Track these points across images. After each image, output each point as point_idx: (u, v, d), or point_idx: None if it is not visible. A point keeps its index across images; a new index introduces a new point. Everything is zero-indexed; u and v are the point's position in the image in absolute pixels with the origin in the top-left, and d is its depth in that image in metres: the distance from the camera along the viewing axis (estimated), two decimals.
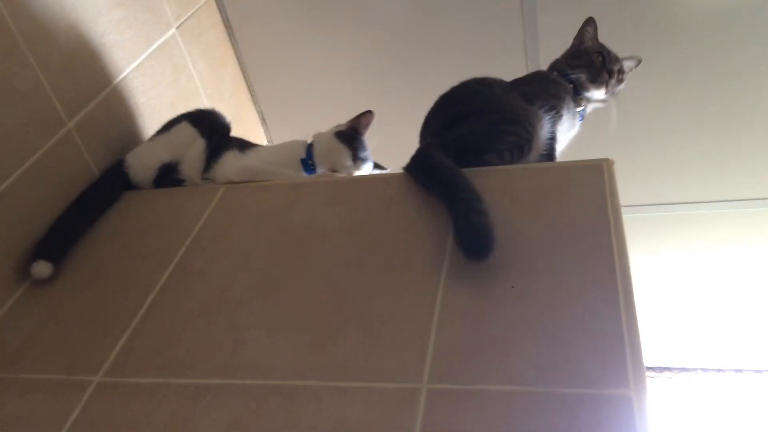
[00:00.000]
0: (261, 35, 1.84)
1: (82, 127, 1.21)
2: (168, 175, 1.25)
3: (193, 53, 1.63)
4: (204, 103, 1.67)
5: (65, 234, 1.10)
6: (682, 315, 2.32)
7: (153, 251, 1.05)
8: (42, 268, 1.03)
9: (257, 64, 1.89)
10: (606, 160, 0.99)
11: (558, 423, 0.65)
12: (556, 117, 1.18)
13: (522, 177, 1.02)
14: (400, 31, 1.75)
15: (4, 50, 1.06)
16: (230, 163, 1.25)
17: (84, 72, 1.24)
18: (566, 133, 1.23)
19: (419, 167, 1.05)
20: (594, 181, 0.96)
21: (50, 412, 0.80)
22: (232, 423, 0.73)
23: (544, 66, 1.35)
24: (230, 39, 1.84)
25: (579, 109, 1.26)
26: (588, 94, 1.27)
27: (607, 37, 1.30)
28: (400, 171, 1.08)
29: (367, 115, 1.32)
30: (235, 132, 1.39)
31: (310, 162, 1.26)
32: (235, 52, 1.87)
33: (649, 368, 2.61)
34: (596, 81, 1.25)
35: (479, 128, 1.10)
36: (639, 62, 1.32)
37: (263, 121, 2.01)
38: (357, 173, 1.27)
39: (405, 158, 1.08)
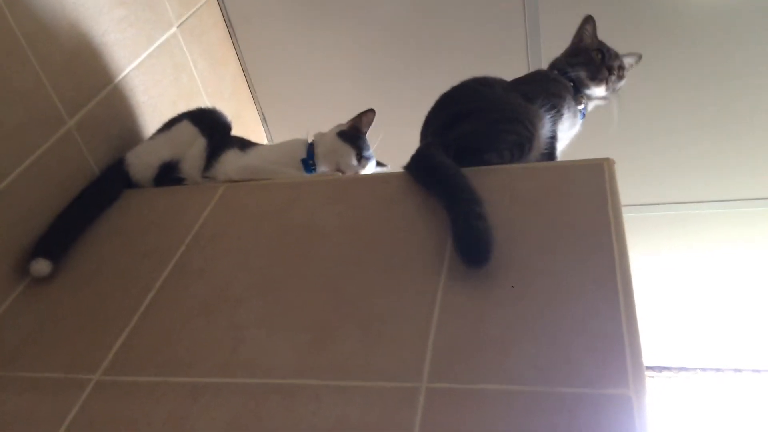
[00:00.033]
0: (262, 34, 1.84)
1: (83, 126, 1.21)
2: (168, 174, 1.25)
3: (194, 52, 1.63)
4: (205, 102, 1.67)
5: (65, 232, 1.10)
6: (681, 314, 2.32)
7: (153, 249, 1.04)
8: (41, 266, 1.03)
9: (258, 63, 1.89)
10: (607, 159, 0.99)
11: (557, 422, 0.65)
12: (557, 116, 1.18)
13: (522, 176, 1.02)
14: (401, 31, 1.75)
15: (5, 49, 1.06)
16: (231, 161, 1.25)
17: (85, 70, 1.24)
18: (567, 132, 1.23)
19: (419, 166, 1.05)
20: (595, 180, 0.96)
21: (49, 410, 0.80)
22: (232, 422, 0.73)
23: (545, 66, 1.35)
24: (231, 38, 1.84)
25: (580, 107, 1.25)
26: (588, 92, 1.26)
27: (607, 37, 1.30)
28: (401, 170, 1.08)
29: (369, 113, 1.32)
30: (236, 131, 1.39)
31: (310, 162, 1.26)
32: (236, 52, 1.87)
33: (648, 368, 2.61)
34: (596, 78, 1.25)
35: (479, 127, 1.10)
36: (639, 58, 1.31)
37: (264, 120, 2.01)
38: (362, 172, 1.27)
39: (405, 157, 1.08)
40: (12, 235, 1.05)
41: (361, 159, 1.27)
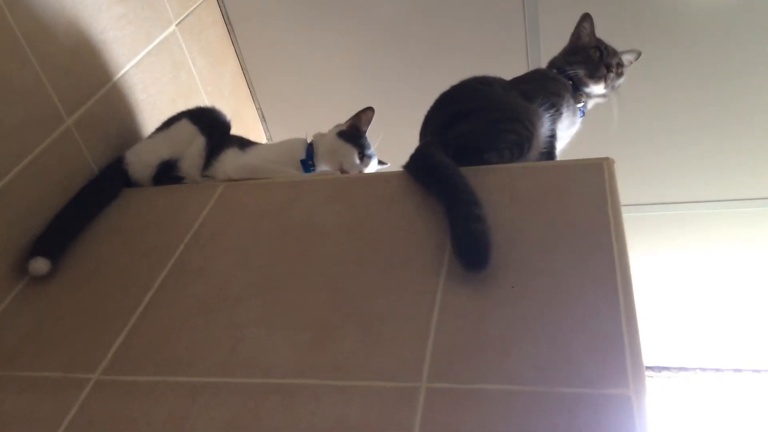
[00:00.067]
0: (261, 33, 1.83)
1: (82, 124, 1.21)
2: (167, 173, 1.24)
3: (193, 50, 1.63)
4: (204, 101, 1.67)
5: (64, 231, 1.10)
6: (681, 314, 2.32)
7: (152, 248, 1.04)
8: (40, 265, 1.02)
9: (257, 61, 1.89)
10: (606, 159, 0.99)
11: (557, 422, 0.65)
12: (556, 115, 1.18)
13: (522, 176, 1.02)
14: (401, 30, 1.75)
15: (4, 47, 1.06)
16: (230, 160, 1.24)
17: (84, 69, 1.24)
18: (567, 131, 1.23)
19: (419, 166, 1.05)
20: (594, 180, 0.96)
21: (48, 410, 0.80)
22: (231, 421, 0.73)
23: (544, 65, 1.34)
24: (230, 36, 1.84)
25: (579, 105, 1.25)
26: (587, 90, 1.26)
27: (607, 37, 1.30)
28: (400, 169, 1.08)
29: (368, 111, 1.31)
30: (235, 129, 1.39)
31: (310, 162, 1.26)
32: (235, 50, 1.86)
33: (647, 368, 2.61)
34: (594, 76, 1.24)
35: (479, 127, 1.10)
36: (639, 55, 1.31)
37: (263, 118, 2.01)
38: (366, 170, 1.27)
39: (405, 157, 1.07)
40: (11, 234, 1.05)
41: (364, 157, 1.27)
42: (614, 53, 1.27)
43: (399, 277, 0.88)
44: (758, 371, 2.56)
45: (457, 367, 0.73)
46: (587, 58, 1.25)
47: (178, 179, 1.25)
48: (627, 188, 1.00)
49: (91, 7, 1.25)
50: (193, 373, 0.80)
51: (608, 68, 1.24)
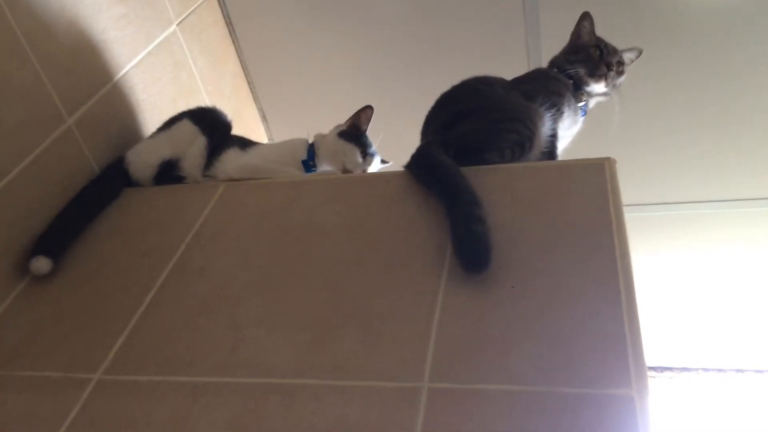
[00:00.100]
0: (262, 33, 1.83)
1: (83, 124, 1.21)
2: (168, 172, 1.24)
3: (193, 50, 1.63)
4: (205, 100, 1.67)
5: (65, 230, 1.10)
6: (683, 315, 2.32)
7: (153, 248, 1.04)
8: (41, 264, 1.02)
9: (258, 61, 1.89)
10: (608, 159, 0.99)
11: (560, 423, 0.65)
12: (557, 114, 1.18)
13: (523, 175, 1.02)
14: (402, 30, 1.74)
15: (5, 47, 1.06)
16: (231, 160, 1.24)
17: (84, 68, 1.24)
18: (568, 130, 1.23)
19: (420, 165, 1.05)
20: (596, 180, 0.96)
21: (49, 410, 0.80)
22: (232, 421, 0.73)
23: (545, 65, 1.34)
24: (231, 36, 1.84)
25: (580, 104, 1.25)
26: (588, 89, 1.26)
27: (607, 37, 1.29)
28: (401, 169, 1.08)
29: (367, 110, 1.32)
30: (236, 129, 1.38)
31: (311, 163, 1.26)
32: (236, 50, 1.86)
33: (650, 368, 2.60)
34: (595, 75, 1.24)
35: (480, 127, 1.10)
36: (640, 53, 1.31)
37: (264, 118, 2.01)
38: (369, 168, 1.27)
39: (406, 157, 1.07)
40: (12, 234, 1.05)
41: (366, 156, 1.27)
42: (614, 52, 1.26)
43: (400, 277, 0.88)
44: (761, 371, 2.56)
45: (459, 367, 0.73)
46: (587, 57, 1.25)
47: (179, 179, 1.25)
48: (629, 188, 0.99)
49: (92, 6, 1.25)
50: (194, 373, 0.80)
51: (608, 67, 1.24)
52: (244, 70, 1.90)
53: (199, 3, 1.68)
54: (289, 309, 0.87)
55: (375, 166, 1.30)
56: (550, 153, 1.15)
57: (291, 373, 0.77)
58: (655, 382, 2.63)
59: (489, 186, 0.97)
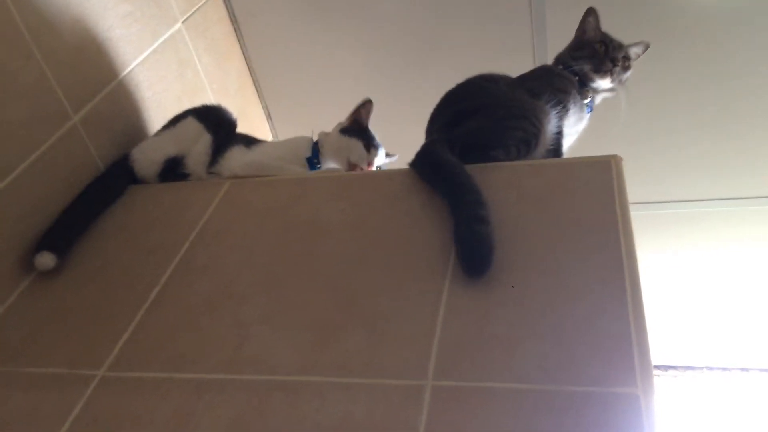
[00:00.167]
0: (267, 30, 1.83)
1: (88, 121, 1.21)
2: (173, 170, 1.25)
3: (198, 48, 1.63)
4: (209, 98, 1.67)
5: (70, 227, 1.10)
6: (687, 313, 2.31)
7: (157, 245, 1.04)
8: (46, 259, 1.02)
9: (263, 59, 1.89)
10: (614, 156, 0.98)
11: (565, 421, 0.64)
12: (563, 111, 1.17)
13: (529, 173, 1.01)
14: (407, 27, 1.74)
15: (10, 44, 1.06)
16: (236, 158, 1.24)
17: (90, 66, 1.24)
18: (574, 127, 1.22)
19: (425, 163, 1.04)
20: (602, 177, 0.95)
21: (53, 406, 0.80)
22: (236, 419, 0.73)
23: (551, 61, 1.34)
24: (236, 34, 1.84)
25: (586, 101, 1.24)
26: (594, 85, 1.25)
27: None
28: (405, 167, 1.07)
29: (367, 104, 1.32)
30: (241, 127, 1.39)
31: (315, 161, 1.26)
32: (241, 47, 1.86)
33: (654, 366, 2.60)
34: (600, 71, 1.23)
35: (485, 124, 1.09)
36: (647, 47, 1.29)
37: (269, 116, 2.01)
38: (374, 160, 1.27)
39: (411, 154, 1.07)
40: (17, 231, 1.05)
41: (371, 148, 1.27)
42: (620, 47, 1.25)
43: (404, 274, 0.87)
44: (766, 370, 2.54)
45: (463, 366, 0.72)
46: (593, 53, 1.24)
47: (184, 176, 1.25)
48: (634, 186, 0.99)
49: (97, 4, 1.26)
50: (199, 370, 0.80)
51: (614, 62, 1.23)
52: (249, 68, 1.90)
53: (204, 1, 1.68)
54: (294, 307, 0.87)
55: (380, 159, 1.30)
56: (556, 150, 1.15)
57: (295, 371, 0.77)
58: (659, 381, 2.62)
59: (494, 183, 0.97)
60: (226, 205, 1.11)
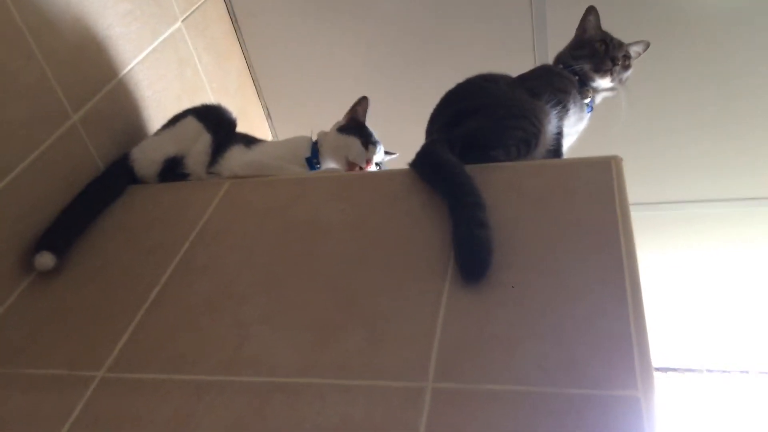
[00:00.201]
0: (267, 29, 1.83)
1: (88, 120, 1.21)
2: (173, 169, 1.24)
3: (198, 47, 1.63)
4: (209, 97, 1.67)
5: (69, 227, 1.10)
6: (687, 315, 2.31)
7: (157, 246, 1.04)
8: (45, 259, 1.02)
9: (263, 58, 1.89)
10: (614, 157, 0.98)
11: (565, 424, 0.64)
12: (563, 111, 1.17)
13: (529, 173, 1.01)
14: (408, 27, 1.74)
15: (10, 43, 1.06)
16: (236, 157, 1.24)
17: (89, 65, 1.24)
18: (574, 127, 1.22)
19: (425, 163, 1.04)
20: (602, 178, 0.95)
21: (53, 407, 0.80)
22: (236, 420, 0.73)
23: (551, 61, 1.33)
24: (236, 33, 1.84)
25: (586, 101, 1.24)
26: (594, 84, 1.25)
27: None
28: (405, 167, 1.07)
29: (362, 101, 1.32)
30: (240, 126, 1.38)
31: (315, 160, 1.26)
32: (241, 46, 1.86)
33: (654, 368, 2.60)
34: (600, 70, 1.23)
35: (485, 124, 1.09)
36: (647, 46, 1.29)
37: (268, 115, 2.01)
38: (374, 157, 1.26)
39: (411, 154, 1.07)
40: (16, 231, 1.05)
41: (369, 145, 1.26)
42: (620, 46, 1.25)
43: (404, 275, 0.87)
44: (766, 373, 2.54)
45: (464, 367, 0.72)
46: (593, 52, 1.24)
47: (184, 176, 1.25)
48: (635, 187, 0.99)
49: (97, 3, 1.25)
50: (199, 371, 0.80)
51: (614, 61, 1.23)
52: (249, 67, 1.90)
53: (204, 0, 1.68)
54: (293, 307, 0.87)
55: (379, 156, 1.29)
56: (556, 151, 1.15)
57: (295, 372, 0.77)
58: (659, 383, 2.62)
59: (494, 184, 0.97)
60: (226, 205, 1.11)
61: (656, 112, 1.71)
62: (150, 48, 1.43)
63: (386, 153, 1.33)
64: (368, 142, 1.27)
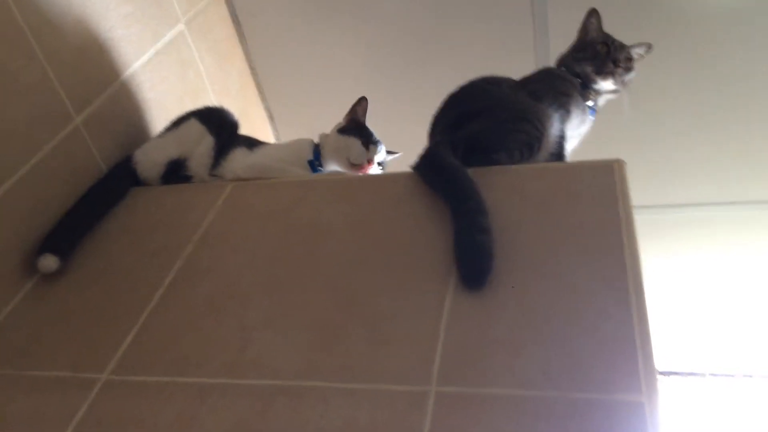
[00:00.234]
0: (269, 31, 1.83)
1: (90, 123, 1.21)
2: (176, 172, 1.24)
3: (200, 49, 1.63)
4: (211, 100, 1.67)
5: (72, 229, 1.10)
6: (691, 318, 2.30)
7: (160, 248, 1.04)
8: (49, 262, 1.02)
9: (265, 60, 1.89)
10: (617, 160, 0.98)
11: (568, 428, 0.64)
12: (566, 114, 1.17)
13: (531, 177, 1.01)
14: (410, 28, 1.74)
15: (12, 45, 1.06)
16: (238, 160, 1.24)
17: (92, 67, 1.24)
18: (577, 130, 1.22)
19: (427, 166, 1.04)
20: (605, 181, 0.95)
21: (56, 409, 0.80)
22: (239, 423, 0.73)
23: (553, 63, 1.33)
24: (238, 35, 1.84)
25: (589, 103, 1.24)
26: (596, 87, 1.25)
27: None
28: (408, 170, 1.07)
29: (361, 102, 1.32)
30: (243, 129, 1.38)
31: (317, 163, 1.26)
32: (243, 48, 1.86)
33: (658, 372, 2.58)
34: (602, 72, 1.23)
35: (488, 127, 1.09)
36: (649, 48, 1.28)
37: (270, 117, 2.01)
38: (375, 157, 1.26)
39: (413, 156, 1.07)
40: (19, 233, 1.05)
41: (370, 145, 1.26)
42: (622, 48, 1.25)
43: (407, 278, 0.87)
44: None
45: (468, 371, 0.72)
46: (595, 54, 1.24)
47: (187, 178, 1.25)
48: (638, 190, 0.99)
49: (99, 5, 1.25)
50: (202, 374, 0.80)
51: (616, 63, 1.23)
52: (251, 69, 1.90)
53: (206, 1, 1.68)
54: (297, 310, 0.87)
55: (380, 155, 1.29)
56: (558, 154, 1.15)
57: (298, 375, 0.77)
58: (663, 387, 2.61)
59: (497, 187, 0.97)
60: (228, 208, 1.11)
61: (659, 115, 1.71)
62: (152, 50, 1.43)
63: (389, 152, 1.33)
64: (369, 142, 1.26)
